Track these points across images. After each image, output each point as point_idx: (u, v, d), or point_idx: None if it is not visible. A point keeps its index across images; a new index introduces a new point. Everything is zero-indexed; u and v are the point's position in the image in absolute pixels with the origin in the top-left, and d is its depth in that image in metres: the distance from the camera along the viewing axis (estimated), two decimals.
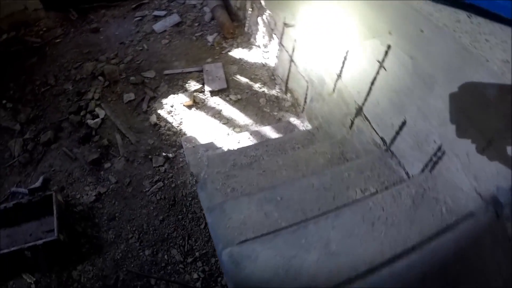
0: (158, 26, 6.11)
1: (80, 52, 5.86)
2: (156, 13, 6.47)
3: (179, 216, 4.06)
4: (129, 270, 3.86)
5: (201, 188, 2.76)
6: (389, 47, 2.36)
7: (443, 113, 1.94)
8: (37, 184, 4.43)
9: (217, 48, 5.67)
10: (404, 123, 2.40)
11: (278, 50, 4.57)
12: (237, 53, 5.50)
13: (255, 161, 3.12)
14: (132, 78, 5.28)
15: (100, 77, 5.33)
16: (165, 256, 3.94)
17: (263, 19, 4.83)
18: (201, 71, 5.21)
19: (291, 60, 4.13)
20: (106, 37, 6.20)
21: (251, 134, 3.95)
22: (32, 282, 3.94)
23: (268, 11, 4.54)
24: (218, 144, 3.78)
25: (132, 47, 5.89)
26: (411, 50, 2.13)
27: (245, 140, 3.88)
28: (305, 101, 3.98)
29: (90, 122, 4.83)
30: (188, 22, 6.24)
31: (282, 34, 4.29)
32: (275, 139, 3.54)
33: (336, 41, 2.92)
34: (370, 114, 2.77)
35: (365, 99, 2.78)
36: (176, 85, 5.18)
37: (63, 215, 4.00)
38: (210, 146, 3.70)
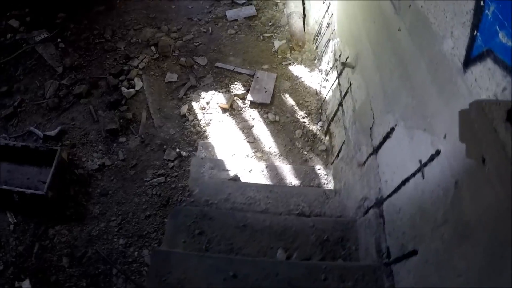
0: (231, 13, 5.85)
1: (146, 15, 5.79)
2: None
3: (165, 220, 3.84)
4: (98, 251, 3.77)
5: (172, 216, 2.47)
6: (438, 152, 1.85)
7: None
8: (53, 133, 4.47)
9: (279, 56, 5.29)
10: (415, 252, 1.90)
11: (334, 85, 4.08)
12: (297, 69, 5.08)
13: (247, 205, 2.76)
14: (182, 59, 5.11)
15: (152, 47, 5.22)
16: (135, 253, 3.79)
17: (333, 44, 4.34)
18: (252, 76, 4.87)
19: (340, 103, 3.65)
20: (177, 7, 6.07)
21: (266, 168, 3.58)
22: (12, 223, 4.01)
23: (338, 38, 4.06)
24: (227, 166, 3.46)
25: (197, 26, 5.70)
26: (460, 173, 1.61)
27: (258, 172, 3.52)
28: (337, 155, 3.50)
29: (124, 90, 4.74)
30: (262, 18, 5.89)
31: (342, 70, 3.80)
32: (283, 187, 3.15)
33: (385, 109, 2.43)
34: (387, 215, 2.28)
35: (390, 195, 2.28)
36: (221, 81, 4.91)
37: (61, 173, 4.00)
38: (218, 165, 3.40)
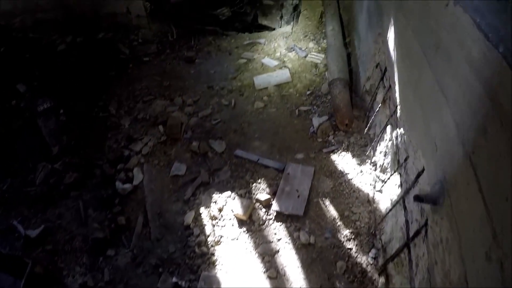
0: (259, 80, 4.87)
1: (160, 83, 4.99)
2: (265, 60, 5.23)
3: None
4: None
5: None
6: None
7: None
8: (36, 232, 3.82)
9: (319, 140, 4.18)
10: None
11: (398, 200, 2.86)
12: (342, 160, 3.93)
13: None
14: (194, 143, 4.16)
15: (160, 126, 4.34)
16: None
17: (394, 135, 3.15)
18: (282, 170, 3.77)
19: (407, 245, 2.44)
20: (197, 72, 5.23)
21: None
22: None
23: (403, 128, 2.86)
24: None
25: (217, 97, 4.78)
26: None
27: None
28: None
29: (119, 185, 3.85)
30: (298, 86, 4.87)
31: (413, 185, 2.57)
32: None
33: None
34: None
35: None
36: (240, 178, 3.87)
37: None
38: None
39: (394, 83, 3.17)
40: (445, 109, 2.06)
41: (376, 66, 3.83)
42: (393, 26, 3.17)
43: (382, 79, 3.66)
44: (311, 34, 6.02)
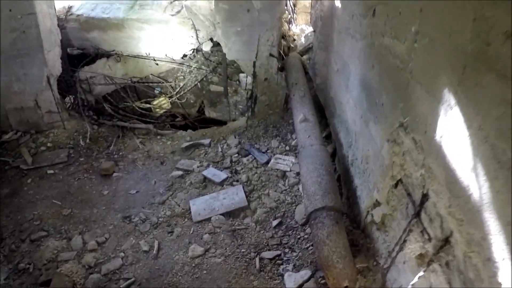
0: (198, 206, 3.29)
1: (58, 210, 3.47)
2: (208, 172, 3.68)
3: None
4: None
5: None
6: None
7: None
8: None
9: None
10: None
11: None
12: None
13: None
14: None
15: None
16: None
17: None
18: None
19: None
20: (113, 193, 3.66)
21: None
22: None
23: None
24: None
25: (135, 236, 3.15)
26: None
27: None
28: None
29: None
30: (258, 212, 3.29)
31: None
32: None
33: None
34: None
35: None
36: None
37: None
38: None
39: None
40: None
41: (396, 185, 2.27)
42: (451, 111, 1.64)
43: (417, 214, 2.04)
44: (273, 127, 4.60)
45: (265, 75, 4.70)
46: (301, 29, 6.60)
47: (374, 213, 2.65)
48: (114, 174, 4.03)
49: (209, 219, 3.23)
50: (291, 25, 6.75)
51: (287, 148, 4.22)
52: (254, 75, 4.71)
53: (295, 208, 3.36)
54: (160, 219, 3.34)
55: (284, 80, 4.70)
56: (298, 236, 3.09)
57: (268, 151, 4.19)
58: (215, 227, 3.18)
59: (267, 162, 3.93)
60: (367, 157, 2.71)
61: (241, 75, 5.32)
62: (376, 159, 2.53)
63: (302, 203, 3.37)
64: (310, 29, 6.38)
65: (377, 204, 2.60)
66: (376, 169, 2.55)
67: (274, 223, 3.23)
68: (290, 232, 3.15)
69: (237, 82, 5.51)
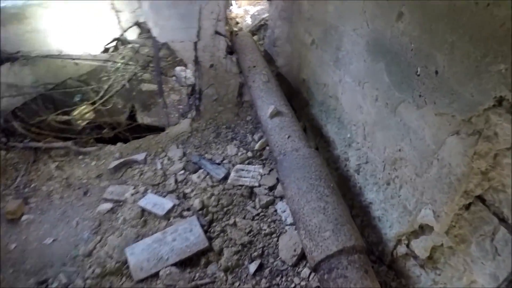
0: (139, 256, 2.18)
1: None
2: (146, 202, 2.58)
3: None
4: None
5: None
6: None
7: None
8: None
9: None
10: None
11: None
12: None
13: None
14: None
15: None
16: None
17: None
18: None
19: None
20: (22, 245, 2.51)
21: None
22: None
23: None
24: None
25: None
26: None
27: None
28: None
29: None
30: (226, 255, 2.17)
31: None
32: None
33: None
34: None
35: None
36: None
37: None
38: None
39: None
40: None
41: (469, 206, 1.38)
42: None
43: None
44: (227, 129, 3.56)
45: (211, 60, 3.63)
46: (244, 10, 5.63)
47: (415, 245, 1.73)
48: (24, 217, 2.71)
49: (156, 275, 2.11)
50: (231, 6, 5.75)
51: (249, 154, 3.19)
52: (197, 61, 3.62)
53: (278, 241, 2.37)
54: (88, 281, 2.15)
55: (235, 66, 3.67)
56: (292, 286, 2.10)
57: (224, 162, 3.12)
58: (167, 286, 2.07)
59: (226, 177, 2.87)
60: (397, 161, 1.79)
61: (178, 68, 4.22)
62: (425, 164, 1.60)
63: (286, 233, 2.37)
64: (255, 8, 5.44)
65: (419, 231, 1.69)
66: (424, 180, 1.62)
67: (252, 268, 2.20)
68: (278, 279, 2.15)
69: (174, 78, 4.40)
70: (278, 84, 3.08)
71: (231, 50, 3.98)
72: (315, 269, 1.77)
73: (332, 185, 1.98)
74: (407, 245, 1.76)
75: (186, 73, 4.15)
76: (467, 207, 1.41)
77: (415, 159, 1.66)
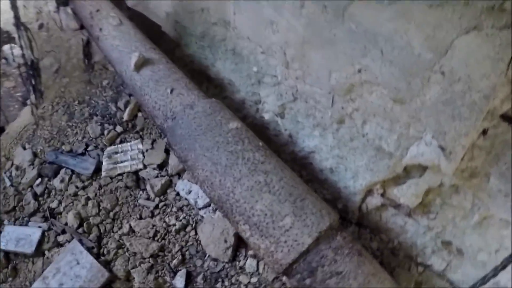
0: None
1: None
2: (7, 240, 1.85)
3: None
4: None
5: None
6: None
7: None
8: None
9: None
10: None
11: None
12: None
13: None
14: None
15: None
16: None
17: None
18: None
19: None
20: None
21: None
22: None
23: None
24: None
25: None
26: None
27: None
28: None
29: None
30: (138, 276, 1.52)
31: None
32: None
33: None
34: None
35: None
36: None
37: None
38: None
39: None
40: None
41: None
42: None
43: None
44: (81, 104, 2.69)
45: (38, 18, 2.62)
46: None
47: (399, 192, 1.30)
48: None
49: None
50: None
51: (119, 129, 2.41)
52: (19, 25, 2.59)
53: (196, 234, 1.78)
54: None
55: (73, 19, 2.72)
56: None
57: (89, 149, 2.30)
58: None
59: (98, 170, 2.12)
60: (355, 87, 1.29)
61: (6, 47, 3.17)
62: (414, 84, 1.11)
63: (204, 222, 1.78)
64: None
65: (403, 175, 1.27)
66: (413, 107, 1.15)
67: (179, 282, 1.60)
68: (219, 285, 1.60)
69: (4, 61, 3.26)
70: (135, 26, 2.29)
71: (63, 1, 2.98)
72: (285, 274, 1.24)
73: (261, 144, 1.43)
74: (382, 195, 1.34)
75: (14, 49, 3.10)
76: (484, 132, 1.01)
77: (393, 79, 1.17)
